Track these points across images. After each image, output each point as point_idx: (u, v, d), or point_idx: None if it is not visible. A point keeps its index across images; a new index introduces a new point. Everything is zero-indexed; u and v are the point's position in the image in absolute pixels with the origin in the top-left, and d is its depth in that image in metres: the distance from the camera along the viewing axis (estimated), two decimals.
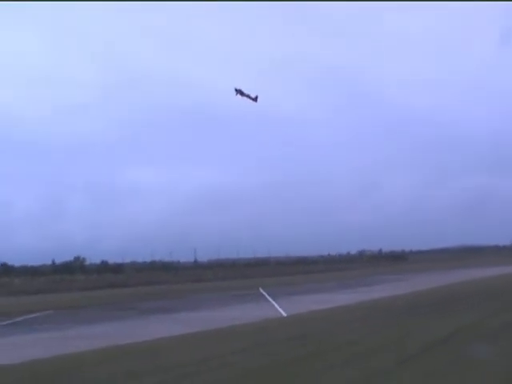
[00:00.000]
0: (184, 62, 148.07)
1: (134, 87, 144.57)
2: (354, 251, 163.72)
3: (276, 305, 33.03)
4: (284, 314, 27.88)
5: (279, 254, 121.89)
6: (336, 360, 14.05)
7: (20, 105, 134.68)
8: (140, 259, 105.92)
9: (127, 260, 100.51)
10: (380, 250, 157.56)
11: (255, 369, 13.33)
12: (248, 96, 49.74)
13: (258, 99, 50.21)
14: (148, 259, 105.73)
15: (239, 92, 49.59)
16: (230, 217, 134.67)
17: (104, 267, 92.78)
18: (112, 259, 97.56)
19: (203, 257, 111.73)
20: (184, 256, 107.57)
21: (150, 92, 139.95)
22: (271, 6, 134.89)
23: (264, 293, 44.20)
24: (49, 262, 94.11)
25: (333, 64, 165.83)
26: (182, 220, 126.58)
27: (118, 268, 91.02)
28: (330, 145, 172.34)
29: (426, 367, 12.70)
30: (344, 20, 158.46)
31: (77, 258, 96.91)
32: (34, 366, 14.87)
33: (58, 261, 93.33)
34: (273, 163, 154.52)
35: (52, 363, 15.30)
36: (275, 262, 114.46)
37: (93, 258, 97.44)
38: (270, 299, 37.46)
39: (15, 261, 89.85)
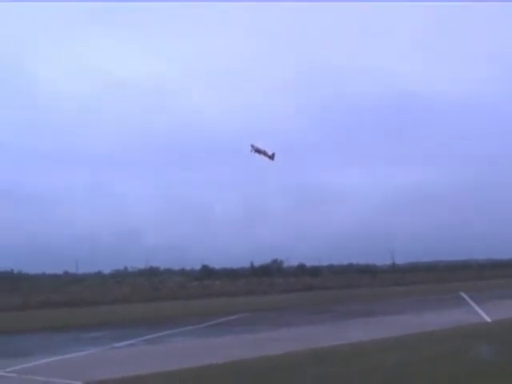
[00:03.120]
0: (383, 56, 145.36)
1: (330, 86, 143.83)
2: None
3: (479, 309, 31.73)
4: (488, 320, 26.72)
5: (481, 256, 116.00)
6: None
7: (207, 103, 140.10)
8: (336, 262, 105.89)
9: (324, 263, 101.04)
10: None
11: (461, 375, 12.96)
12: (264, 153, 48.31)
13: (275, 157, 48.62)
14: (344, 262, 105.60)
15: (255, 149, 48.33)
16: (429, 217, 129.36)
17: (301, 270, 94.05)
18: (309, 262, 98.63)
19: (401, 259, 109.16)
20: (381, 259, 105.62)
21: (347, 91, 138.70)
22: None
23: (466, 297, 42.57)
24: (247, 265, 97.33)
25: None
26: (379, 221, 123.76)
27: (315, 271, 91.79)
28: None
29: None
30: None
31: (274, 261, 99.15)
32: (236, 367, 15.72)
33: (257, 263, 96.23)
34: (476, 160, 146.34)
35: (252, 364, 16.03)
36: (476, 265, 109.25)
37: (290, 260, 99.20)
38: (473, 303, 36.03)
39: (216, 263, 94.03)
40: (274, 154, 48.80)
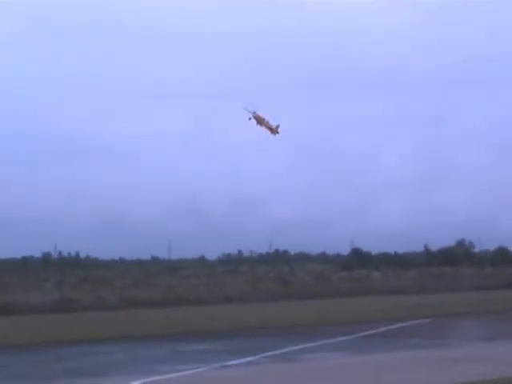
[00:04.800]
0: None
1: None
2: None
3: None
4: None
5: None
6: None
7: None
8: None
9: None
10: None
11: None
12: (266, 125, 46.12)
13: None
14: None
15: (255, 117, 46.05)
16: None
17: (502, 256, 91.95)
18: None
19: None
20: None
21: None
22: None
23: None
24: (420, 249, 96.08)
25: None
26: None
27: None
28: None
29: None
30: None
31: (460, 243, 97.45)
32: None
33: (434, 247, 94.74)
34: None
35: None
36: None
37: (484, 242, 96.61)
38: None
39: (372, 246, 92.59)
40: (278, 127, 48.18)
